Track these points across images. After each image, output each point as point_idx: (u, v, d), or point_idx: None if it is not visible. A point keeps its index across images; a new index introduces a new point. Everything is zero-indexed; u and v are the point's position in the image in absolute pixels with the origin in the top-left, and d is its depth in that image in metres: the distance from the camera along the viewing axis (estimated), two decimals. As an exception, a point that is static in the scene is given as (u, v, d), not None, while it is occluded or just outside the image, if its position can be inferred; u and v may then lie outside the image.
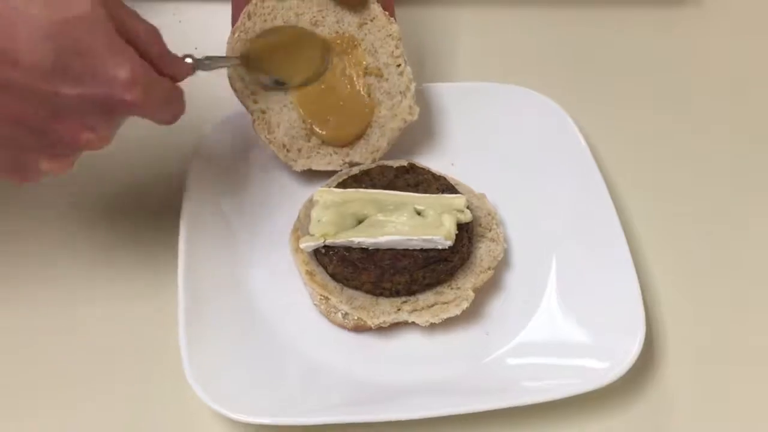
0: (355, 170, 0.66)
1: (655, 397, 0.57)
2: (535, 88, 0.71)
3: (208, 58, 0.58)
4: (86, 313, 0.61)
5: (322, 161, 0.67)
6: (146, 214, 0.67)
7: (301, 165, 0.67)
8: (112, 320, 0.60)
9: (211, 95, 0.64)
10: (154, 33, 0.51)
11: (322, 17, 0.66)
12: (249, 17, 0.65)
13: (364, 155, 0.67)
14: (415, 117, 0.67)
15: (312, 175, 0.68)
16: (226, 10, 0.66)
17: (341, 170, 0.67)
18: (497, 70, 0.78)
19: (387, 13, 0.66)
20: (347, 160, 0.67)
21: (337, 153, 0.67)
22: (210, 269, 0.61)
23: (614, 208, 0.62)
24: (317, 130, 0.66)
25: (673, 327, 0.60)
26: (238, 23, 0.65)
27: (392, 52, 0.67)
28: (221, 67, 0.63)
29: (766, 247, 0.66)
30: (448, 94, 0.72)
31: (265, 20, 0.65)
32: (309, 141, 0.67)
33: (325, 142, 0.67)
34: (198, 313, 0.57)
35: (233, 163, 0.68)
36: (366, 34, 0.67)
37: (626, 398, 0.56)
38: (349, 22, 0.67)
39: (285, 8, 0.65)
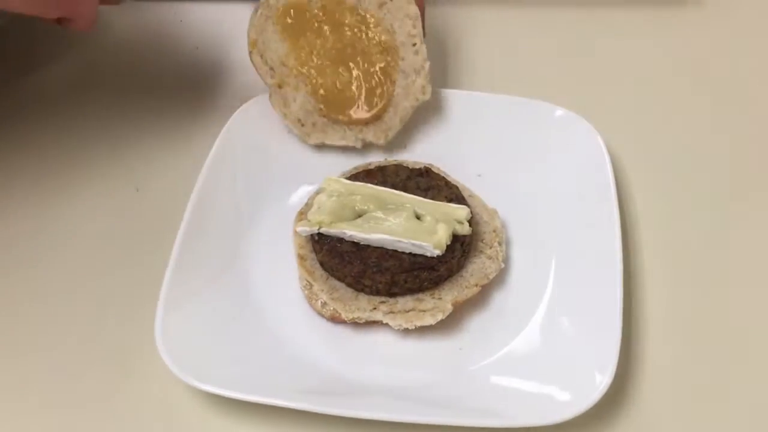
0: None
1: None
2: (534, 90, 0.71)
3: None
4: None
5: (335, 136, 0.68)
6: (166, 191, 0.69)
7: (315, 139, 0.68)
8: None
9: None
10: None
11: None
12: None
13: (377, 134, 0.68)
14: (428, 96, 0.68)
15: (333, 165, 0.68)
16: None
17: (354, 145, 0.68)
18: (495, 71, 0.78)
19: None
20: (360, 137, 0.68)
21: (351, 129, 0.68)
22: (211, 237, 0.62)
23: (620, 250, 0.59)
24: (326, 111, 0.67)
25: (655, 368, 0.58)
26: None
27: (409, 31, 0.67)
28: None
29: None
30: (488, 104, 0.71)
31: None
32: (324, 116, 0.68)
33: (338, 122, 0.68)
34: (184, 274, 0.59)
35: (256, 144, 0.69)
36: (385, 14, 0.67)
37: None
38: (369, 1, 0.67)
39: None
